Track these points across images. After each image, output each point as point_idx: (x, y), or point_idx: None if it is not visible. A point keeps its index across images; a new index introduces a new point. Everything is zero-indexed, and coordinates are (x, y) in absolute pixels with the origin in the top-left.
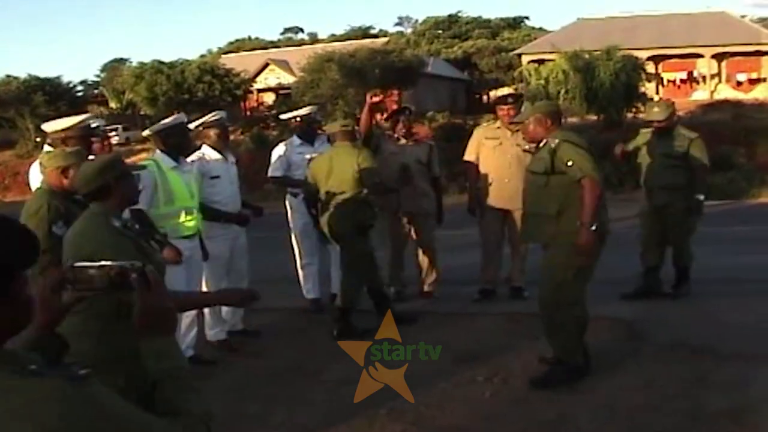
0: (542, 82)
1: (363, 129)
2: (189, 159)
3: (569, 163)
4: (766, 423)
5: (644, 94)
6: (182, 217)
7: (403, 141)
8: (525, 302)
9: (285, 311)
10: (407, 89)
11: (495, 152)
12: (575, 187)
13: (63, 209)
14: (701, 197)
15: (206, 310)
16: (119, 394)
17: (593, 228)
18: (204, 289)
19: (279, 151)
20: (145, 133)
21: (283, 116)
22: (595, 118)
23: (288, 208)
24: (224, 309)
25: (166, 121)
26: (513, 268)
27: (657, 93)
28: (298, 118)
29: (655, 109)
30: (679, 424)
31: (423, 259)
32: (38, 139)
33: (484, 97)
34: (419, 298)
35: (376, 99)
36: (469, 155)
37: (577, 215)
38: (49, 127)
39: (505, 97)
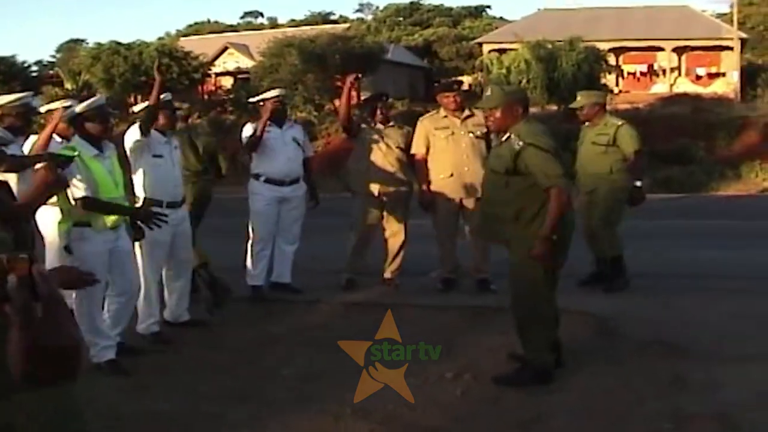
0: (504, 71)
1: (343, 114)
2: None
3: (533, 170)
4: (746, 426)
5: (605, 85)
6: None
7: (380, 126)
8: (494, 295)
9: (241, 301)
10: (367, 76)
11: (448, 143)
12: (536, 189)
13: None
14: (638, 183)
15: (139, 302)
16: None
17: (552, 238)
18: (142, 275)
19: (247, 129)
20: (66, 116)
21: (252, 99)
22: (555, 108)
23: (249, 191)
24: (168, 297)
25: (86, 103)
26: (476, 258)
27: (617, 85)
28: (268, 100)
29: (578, 98)
30: (660, 428)
31: (391, 246)
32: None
33: None
34: (380, 286)
35: (352, 81)
36: (417, 148)
37: (536, 218)
38: None
39: (450, 83)
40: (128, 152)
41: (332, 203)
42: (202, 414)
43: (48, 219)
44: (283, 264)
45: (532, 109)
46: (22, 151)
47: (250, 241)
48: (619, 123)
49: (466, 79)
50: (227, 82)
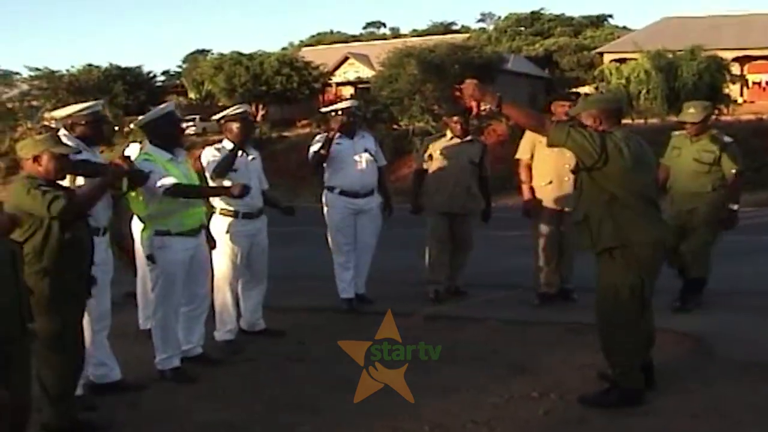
0: (623, 81)
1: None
2: (210, 152)
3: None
4: None
5: (728, 95)
6: (184, 210)
7: (456, 140)
8: (585, 311)
9: (325, 312)
10: (487, 86)
11: (552, 150)
12: (616, 189)
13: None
14: (735, 207)
15: (216, 310)
16: None
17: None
18: (217, 282)
19: (319, 139)
20: (135, 125)
21: (323, 109)
22: (675, 119)
23: (324, 203)
24: (243, 306)
25: (155, 111)
26: (562, 267)
27: (741, 95)
28: (339, 112)
29: (691, 110)
30: None
31: (457, 259)
32: (116, 128)
33: None
34: (468, 299)
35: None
36: (522, 154)
37: (623, 227)
38: (57, 112)
39: (568, 94)
40: (205, 167)
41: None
42: (276, 424)
43: (138, 229)
44: (358, 275)
45: (652, 120)
46: (98, 160)
47: (333, 255)
48: (728, 141)
49: (586, 89)
50: (347, 91)
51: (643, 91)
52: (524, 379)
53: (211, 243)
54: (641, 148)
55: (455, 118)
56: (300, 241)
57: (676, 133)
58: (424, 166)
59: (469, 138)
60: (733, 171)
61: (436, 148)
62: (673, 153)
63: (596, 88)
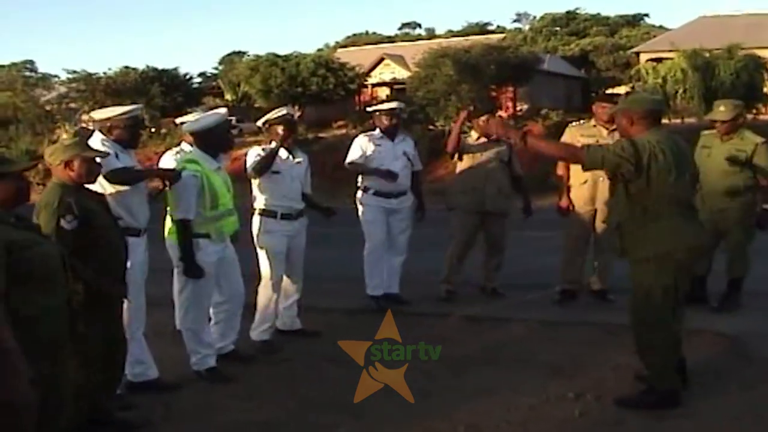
0: (659, 81)
1: (452, 143)
2: (255, 151)
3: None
4: None
5: (767, 94)
6: (224, 219)
7: (483, 140)
8: (622, 312)
9: (348, 312)
10: (522, 86)
11: None
12: (635, 200)
13: (73, 203)
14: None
15: (258, 308)
16: None
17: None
18: (263, 281)
19: (359, 141)
20: (186, 129)
21: (369, 108)
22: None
23: (359, 203)
24: (279, 306)
25: (209, 118)
26: (599, 268)
27: None
28: (384, 112)
29: (721, 108)
30: None
31: (490, 259)
32: (153, 130)
33: None
34: (503, 299)
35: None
36: None
37: (657, 230)
38: (96, 114)
39: (611, 95)
40: (248, 170)
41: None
42: (312, 425)
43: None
44: (391, 275)
45: (689, 120)
46: (136, 164)
47: (365, 253)
48: (759, 140)
49: (623, 89)
50: (383, 92)
51: (680, 91)
52: (560, 380)
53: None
54: (678, 150)
55: (483, 118)
56: (334, 241)
57: (706, 132)
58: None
59: (494, 137)
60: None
61: (464, 148)
62: (703, 152)
63: (632, 88)
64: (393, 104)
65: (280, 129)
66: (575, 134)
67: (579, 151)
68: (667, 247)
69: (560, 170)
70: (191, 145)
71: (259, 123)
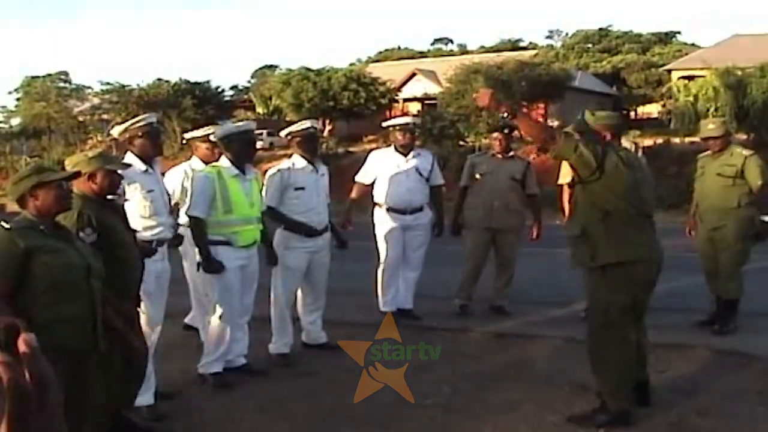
0: (691, 98)
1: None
2: (277, 168)
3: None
4: None
5: None
6: (240, 227)
7: (498, 157)
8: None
9: (371, 326)
10: (554, 103)
11: None
12: (595, 208)
13: (94, 215)
14: (766, 218)
15: (273, 323)
16: None
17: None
18: (274, 295)
19: (371, 157)
20: (212, 137)
21: (384, 123)
22: (744, 137)
23: (374, 218)
24: (303, 320)
25: (233, 127)
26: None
27: None
28: (398, 127)
29: (710, 126)
30: None
31: (500, 276)
32: (184, 141)
33: (632, 113)
34: (527, 315)
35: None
36: (563, 178)
37: (620, 243)
38: (114, 131)
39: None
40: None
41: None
42: None
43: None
44: (405, 290)
45: None
46: (159, 177)
47: (379, 268)
48: (747, 153)
49: (654, 107)
50: (414, 107)
51: (712, 109)
52: (586, 397)
53: (272, 260)
54: (639, 164)
55: (495, 134)
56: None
57: (702, 155)
58: (468, 183)
59: (510, 154)
60: (759, 183)
61: (478, 165)
62: (698, 173)
63: (663, 106)
64: (407, 119)
65: (302, 141)
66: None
67: (558, 136)
68: (629, 255)
69: (564, 196)
70: (203, 162)
71: (282, 134)
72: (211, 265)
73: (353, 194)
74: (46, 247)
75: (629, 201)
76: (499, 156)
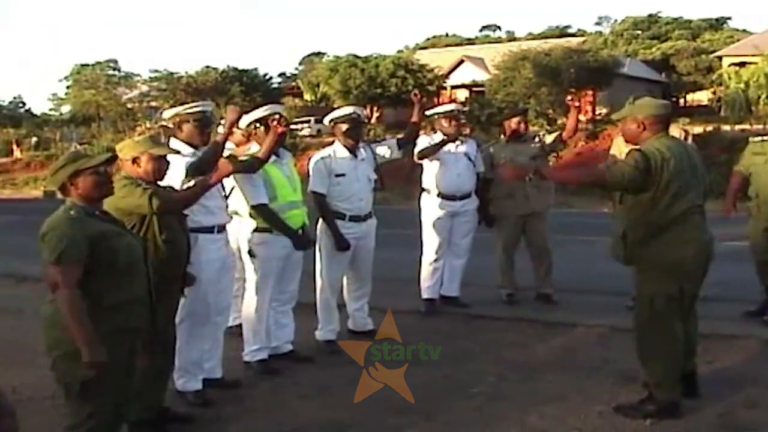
0: (742, 85)
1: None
2: (319, 156)
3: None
4: None
5: None
6: (285, 213)
7: (510, 143)
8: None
9: (419, 313)
10: (602, 90)
11: None
12: (642, 210)
13: None
14: None
15: (318, 310)
16: None
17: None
18: (319, 282)
19: (423, 142)
20: (242, 124)
21: (428, 112)
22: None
23: (421, 205)
24: (349, 307)
25: (259, 110)
26: None
27: None
28: (442, 114)
29: None
30: None
31: (538, 264)
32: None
33: (681, 101)
34: (575, 305)
35: None
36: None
37: (661, 240)
38: (166, 113)
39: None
40: (310, 173)
41: None
42: (381, 426)
43: (235, 223)
44: (452, 277)
45: None
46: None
47: (423, 255)
48: None
49: (704, 94)
50: (462, 95)
51: (763, 96)
52: (632, 387)
53: (309, 244)
54: (687, 157)
55: (516, 119)
56: (399, 242)
57: (756, 139)
58: (491, 174)
59: (523, 139)
60: None
61: (497, 154)
62: (756, 159)
63: (713, 93)
64: (451, 106)
65: (344, 127)
66: (620, 144)
67: (601, 172)
68: (673, 257)
69: None
70: (236, 145)
71: (326, 121)
72: (300, 242)
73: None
74: (109, 232)
75: (678, 202)
76: (512, 142)
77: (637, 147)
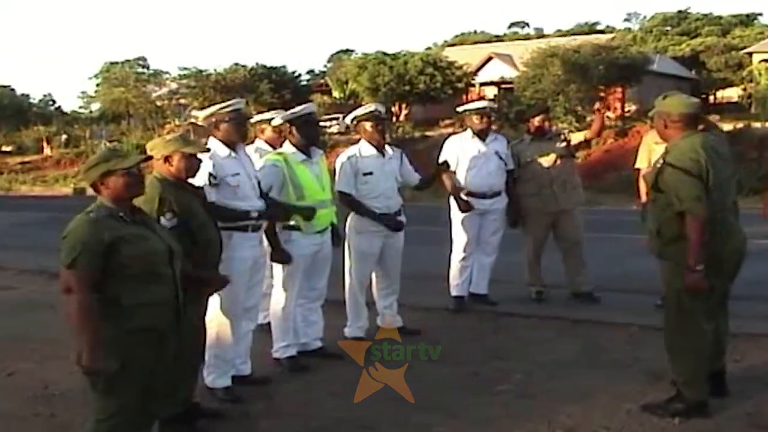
0: None
1: None
2: (346, 155)
3: (667, 190)
4: None
5: None
6: (318, 211)
7: (535, 140)
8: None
9: (448, 311)
10: (631, 87)
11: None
12: (675, 207)
13: (173, 199)
14: None
15: (347, 306)
16: None
17: (699, 268)
18: (348, 279)
19: (450, 142)
20: (275, 122)
21: (459, 108)
22: None
23: (451, 203)
24: (378, 303)
25: (296, 109)
26: None
27: None
28: (474, 111)
29: None
30: None
31: (569, 261)
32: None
33: (711, 97)
34: (606, 302)
35: None
36: (641, 162)
37: (677, 236)
38: (200, 113)
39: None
40: (336, 171)
41: None
42: (408, 424)
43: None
44: (481, 275)
45: None
46: (246, 163)
47: (453, 252)
48: None
49: (734, 91)
50: (491, 92)
51: None
52: (661, 386)
53: (336, 241)
54: (717, 154)
55: (539, 117)
56: (427, 240)
57: None
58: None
59: (548, 137)
60: None
61: (523, 153)
62: None
63: (744, 90)
64: (482, 103)
65: (368, 125)
66: (650, 143)
67: (694, 219)
68: (705, 254)
69: (641, 180)
70: (267, 143)
71: (348, 119)
72: (282, 254)
73: (447, 184)
74: (129, 236)
75: (710, 199)
76: (537, 140)
77: (683, 167)
